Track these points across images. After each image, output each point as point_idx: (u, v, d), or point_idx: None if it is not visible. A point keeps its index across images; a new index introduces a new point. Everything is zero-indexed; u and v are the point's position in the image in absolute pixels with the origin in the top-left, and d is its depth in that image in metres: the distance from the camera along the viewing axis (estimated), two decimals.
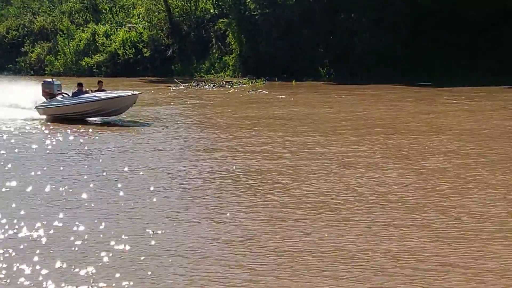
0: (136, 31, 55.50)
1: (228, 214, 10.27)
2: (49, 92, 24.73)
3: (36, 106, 25.13)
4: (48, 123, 23.68)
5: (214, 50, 49.81)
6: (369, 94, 30.72)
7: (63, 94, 24.61)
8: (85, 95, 23.45)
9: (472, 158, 14.00)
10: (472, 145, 15.64)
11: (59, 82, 25.56)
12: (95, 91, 23.74)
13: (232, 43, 47.00)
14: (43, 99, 24.89)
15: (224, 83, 40.44)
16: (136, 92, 23.43)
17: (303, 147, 16.14)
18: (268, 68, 42.11)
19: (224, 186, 12.32)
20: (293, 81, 39.98)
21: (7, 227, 9.87)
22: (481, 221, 9.55)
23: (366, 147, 15.75)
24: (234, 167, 13.86)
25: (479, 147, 15.30)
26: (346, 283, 7.44)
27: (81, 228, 9.77)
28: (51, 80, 26.09)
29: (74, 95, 23.92)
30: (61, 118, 23.76)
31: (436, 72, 36.64)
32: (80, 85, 24.29)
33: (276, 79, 40.93)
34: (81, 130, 21.16)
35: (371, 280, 7.47)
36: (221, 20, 48.98)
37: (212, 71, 48.49)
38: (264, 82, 39.96)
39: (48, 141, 18.93)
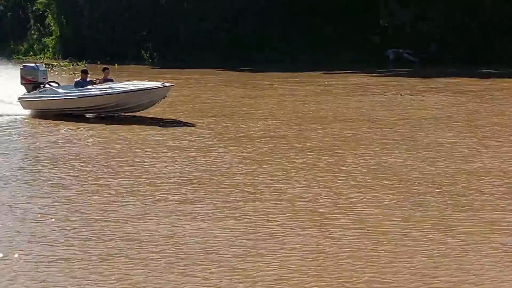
0: None
1: None
2: (33, 80, 19.99)
3: (20, 98, 20.13)
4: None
5: (32, 32, 48.51)
6: (195, 78, 31.42)
7: (51, 83, 20.36)
8: (97, 86, 19.07)
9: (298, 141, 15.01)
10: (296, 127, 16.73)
11: (44, 68, 21.29)
12: (101, 80, 19.51)
13: (52, 24, 46.02)
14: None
15: (44, 65, 39.37)
16: (168, 84, 18.94)
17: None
18: (90, 51, 41.72)
19: None
20: (116, 64, 39.84)
21: None
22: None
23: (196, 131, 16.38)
24: None
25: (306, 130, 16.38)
26: None
27: None
28: (34, 64, 21.37)
29: (78, 85, 19.42)
30: (54, 113, 19.29)
31: (257, 58, 38.34)
32: (84, 72, 20.06)
33: (98, 62, 40.64)
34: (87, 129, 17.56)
35: None
36: (40, 0, 47.74)
37: (31, 53, 47.21)
38: (85, 64, 39.44)
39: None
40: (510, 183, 10.95)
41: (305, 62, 36.31)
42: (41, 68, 20.61)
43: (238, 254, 7.76)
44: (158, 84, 18.75)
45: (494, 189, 10.53)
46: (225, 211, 9.50)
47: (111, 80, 19.52)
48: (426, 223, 8.80)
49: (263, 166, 12.27)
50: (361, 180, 11.13)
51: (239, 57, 38.35)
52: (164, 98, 18.70)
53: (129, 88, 18.60)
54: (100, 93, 18.62)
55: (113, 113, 18.85)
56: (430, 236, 8.33)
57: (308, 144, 14.48)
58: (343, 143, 14.62)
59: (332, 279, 7.02)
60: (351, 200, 10.01)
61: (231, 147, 14.30)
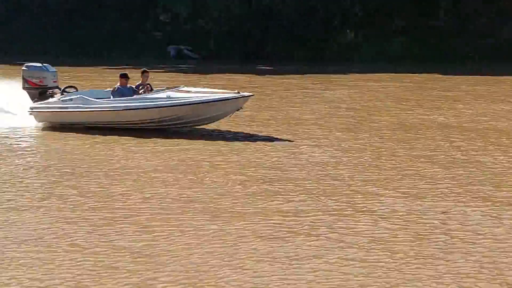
0: None
1: None
2: (40, 84, 16.75)
3: (32, 109, 16.80)
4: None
5: None
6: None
7: (68, 89, 17.21)
8: (146, 95, 16.24)
9: None
10: None
11: (54, 69, 17.39)
12: (145, 87, 16.53)
13: None
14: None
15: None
16: (247, 94, 16.34)
17: None
18: None
19: None
20: None
21: None
22: None
23: None
24: None
25: None
26: None
27: None
28: (41, 64, 17.29)
29: (118, 93, 16.37)
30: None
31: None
32: (124, 77, 16.70)
33: None
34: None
35: None
36: None
37: None
38: None
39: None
40: None
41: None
42: (50, 69, 17.19)
43: None
44: (232, 93, 16.09)
45: None
46: None
47: (148, 85, 16.66)
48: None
49: None
50: None
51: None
52: (239, 109, 16.27)
53: (201, 99, 15.92)
54: (160, 104, 15.86)
55: (167, 126, 16.28)
56: None
57: None
58: None
59: None
60: None
61: None
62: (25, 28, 39.54)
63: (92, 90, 18.01)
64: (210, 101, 15.84)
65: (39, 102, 16.72)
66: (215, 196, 11.23)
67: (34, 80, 16.70)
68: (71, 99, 16.45)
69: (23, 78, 16.87)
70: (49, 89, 16.91)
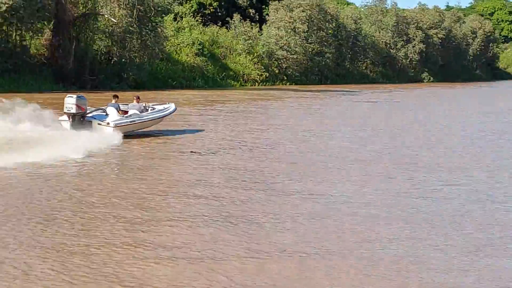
0: None
1: None
2: (83, 109, 22.13)
3: (115, 123, 22.23)
4: None
5: None
6: None
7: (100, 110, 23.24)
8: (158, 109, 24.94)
9: None
10: None
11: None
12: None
13: None
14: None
15: None
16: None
17: None
18: None
19: None
20: None
21: None
22: None
23: None
24: None
25: None
26: None
27: None
28: (81, 95, 22.90)
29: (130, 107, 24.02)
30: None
31: None
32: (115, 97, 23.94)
33: None
34: None
35: None
36: None
37: None
38: None
39: None
40: None
41: None
42: (83, 98, 22.24)
43: None
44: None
45: None
46: None
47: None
48: None
49: None
50: None
51: None
52: None
53: (169, 111, 25.26)
54: (165, 114, 24.81)
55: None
56: None
57: None
58: None
59: None
60: None
61: None
62: None
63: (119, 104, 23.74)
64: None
65: (116, 120, 22.39)
66: None
67: (83, 107, 21.99)
68: (130, 116, 23.20)
69: (77, 105, 21.66)
70: (86, 113, 22.32)
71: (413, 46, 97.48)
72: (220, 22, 75.36)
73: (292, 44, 75.22)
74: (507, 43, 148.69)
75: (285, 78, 74.93)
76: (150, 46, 51.59)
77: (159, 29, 53.30)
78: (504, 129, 31.56)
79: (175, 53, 61.39)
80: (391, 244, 11.00)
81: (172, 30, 62.61)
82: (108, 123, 22.09)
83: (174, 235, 11.04)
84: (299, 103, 45.80)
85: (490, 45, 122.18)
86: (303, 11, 78.59)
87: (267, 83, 70.43)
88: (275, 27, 76.11)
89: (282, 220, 12.36)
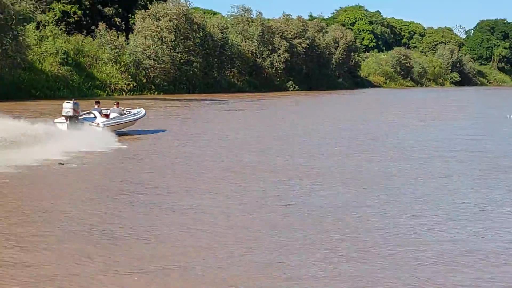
0: None
1: None
2: (78, 113, 26.97)
3: (104, 123, 27.41)
4: None
5: None
6: None
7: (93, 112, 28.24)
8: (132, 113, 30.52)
9: None
10: None
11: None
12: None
13: None
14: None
15: None
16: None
17: None
18: None
19: None
20: None
21: None
22: None
23: None
24: None
25: None
26: None
27: None
28: (76, 101, 27.21)
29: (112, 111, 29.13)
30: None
31: None
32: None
33: None
34: None
35: None
36: None
37: None
38: None
39: None
40: None
41: None
42: (77, 104, 26.83)
43: None
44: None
45: None
46: None
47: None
48: None
49: None
50: None
51: None
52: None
53: (141, 114, 31.14)
54: (138, 117, 30.49)
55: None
56: None
57: None
58: None
59: None
60: None
61: None
62: None
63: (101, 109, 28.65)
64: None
65: (104, 121, 27.46)
66: None
67: (78, 111, 26.59)
68: (114, 118, 28.34)
69: (73, 109, 26.08)
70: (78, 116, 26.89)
71: (278, 56, 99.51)
72: (85, 31, 74.12)
73: (160, 53, 75.09)
74: (368, 52, 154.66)
75: (153, 87, 74.66)
76: (11, 55, 50.06)
77: (21, 38, 51.84)
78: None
79: (38, 62, 59.82)
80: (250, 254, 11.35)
81: (34, 39, 61.00)
82: (98, 124, 27.20)
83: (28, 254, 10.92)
84: (167, 112, 45.81)
85: (352, 54, 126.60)
86: (170, 20, 78.63)
87: (135, 93, 69.94)
88: (142, 36, 75.70)
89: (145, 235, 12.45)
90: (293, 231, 12.92)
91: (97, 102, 29.34)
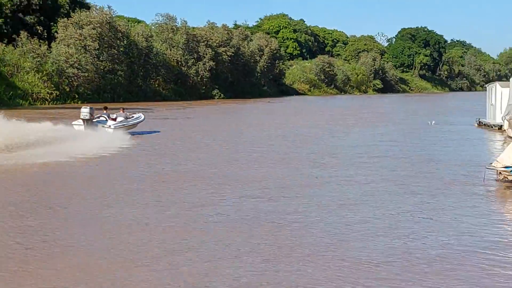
0: None
1: None
2: (94, 117, 32.80)
3: (114, 126, 32.76)
4: None
5: None
6: None
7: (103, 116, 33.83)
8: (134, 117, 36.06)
9: None
10: None
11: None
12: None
13: None
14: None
15: None
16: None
17: None
18: None
19: None
20: None
21: None
22: None
23: None
24: None
25: None
26: None
27: None
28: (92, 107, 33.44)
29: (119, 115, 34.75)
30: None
31: None
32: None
33: None
34: None
35: None
36: None
37: None
38: None
39: None
40: None
41: None
42: (92, 109, 32.96)
43: None
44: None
45: None
46: None
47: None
48: None
49: None
50: None
51: None
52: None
53: (141, 119, 36.67)
54: (139, 121, 35.93)
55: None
56: None
57: None
58: None
59: None
60: None
61: None
62: None
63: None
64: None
65: (114, 123, 33.04)
66: None
67: (93, 115, 32.27)
68: (121, 121, 33.83)
69: (90, 114, 31.88)
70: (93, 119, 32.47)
71: (204, 64, 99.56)
72: (6, 40, 72.55)
73: (83, 62, 74.20)
74: (292, 60, 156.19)
75: (77, 96, 73.67)
76: None
77: None
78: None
79: None
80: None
81: None
82: (109, 126, 32.56)
83: None
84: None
85: (277, 62, 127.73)
86: (93, 29, 77.83)
87: (58, 102, 68.86)
88: (64, 45, 74.67)
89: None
90: (212, 239, 12.95)
91: (105, 108, 35.37)
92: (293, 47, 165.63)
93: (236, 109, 73.42)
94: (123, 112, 35.44)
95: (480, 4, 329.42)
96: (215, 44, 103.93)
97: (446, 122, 50.56)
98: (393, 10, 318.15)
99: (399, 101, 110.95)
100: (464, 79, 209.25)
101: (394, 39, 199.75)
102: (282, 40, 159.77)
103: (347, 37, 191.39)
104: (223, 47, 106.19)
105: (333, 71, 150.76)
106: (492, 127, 42.80)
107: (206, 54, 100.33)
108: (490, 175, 20.23)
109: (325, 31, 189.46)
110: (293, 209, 16.04)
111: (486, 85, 52.28)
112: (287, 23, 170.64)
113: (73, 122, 32.04)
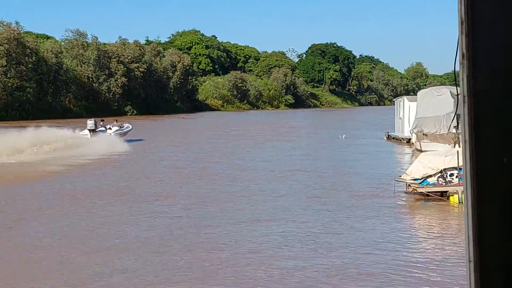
0: None
1: None
2: (97, 127, 41.37)
3: (114, 133, 42.00)
4: None
5: None
6: None
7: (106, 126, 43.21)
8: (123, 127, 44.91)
9: None
10: None
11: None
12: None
13: None
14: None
15: None
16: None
17: None
18: None
19: None
20: None
21: None
22: None
23: None
24: None
25: None
26: None
27: None
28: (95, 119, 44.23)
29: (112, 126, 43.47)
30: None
31: None
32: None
33: None
34: None
35: None
36: None
37: None
38: None
39: None
40: None
41: None
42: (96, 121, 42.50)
43: None
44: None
45: None
46: None
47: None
48: None
49: None
50: None
51: None
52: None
53: (129, 128, 45.76)
54: (128, 130, 44.60)
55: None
56: None
57: None
58: None
59: None
60: None
61: None
62: None
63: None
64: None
65: (113, 131, 42.00)
66: None
67: (97, 125, 41.15)
68: (117, 130, 42.44)
69: (94, 124, 40.77)
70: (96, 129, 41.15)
71: (116, 80, 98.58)
72: None
73: None
74: (205, 76, 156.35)
75: None
76: None
77: None
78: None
79: None
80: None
81: None
82: (110, 134, 41.06)
83: None
84: None
85: (189, 78, 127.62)
86: (0, 45, 75.91)
87: None
88: None
89: None
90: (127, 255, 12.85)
91: (102, 120, 44.87)
92: (205, 63, 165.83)
93: (149, 126, 72.92)
94: (117, 122, 45.49)
95: (386, 21, 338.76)
96: (127, 60, 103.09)
97: (357, 136, 51.62)
98: (303, 26, 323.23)
99: (310, 116, 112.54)
100: (373, 93, 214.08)
101: (304, 55, 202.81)
102: (194, 56, 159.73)
103: (259, 53, 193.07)
104: (135, 63, 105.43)
105: (245, 87, 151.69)
106: (400, 140, 43.96)
107: (118, 70, 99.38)
108: (400, 188, 20.77)
109: (237, 47, 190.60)
110: (208, 223, 16.06)
111: (395, 99, 53.65)
112: (199, 39, 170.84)
113: (81, 132, 40.19)
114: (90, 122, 40.82)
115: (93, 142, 37.80)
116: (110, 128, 42.49)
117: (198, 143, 44.75)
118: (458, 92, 1.51)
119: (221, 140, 47.66)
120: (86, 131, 40.27)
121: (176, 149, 39.81)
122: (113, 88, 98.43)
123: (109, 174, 26.90)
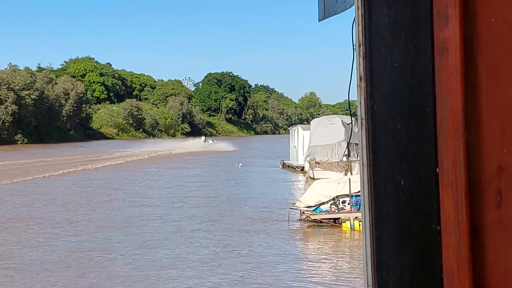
0: None
1: None
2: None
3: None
4: None
5: None
6: None
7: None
8: None
9: None
10: None
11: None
12: None
13: None
14: None
15: None
16: None
17: None
18: None
19: None
20: None
21: None
22: None
23: None
24: None
25: None
26: None
27: None
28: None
29: None
30: None
31: None
32: None
33: None
34: None
35: None
36: None
37: None
38: None
39: None
40: None
41: None
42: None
43: None
44: None
45: None
46: None
47: None
48: None
49: None
50: None
51: None
52: None
53: None
54: None
55: None
56: None
57: None
58: None
59: None
60: None
61: None
62: None
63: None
64: None
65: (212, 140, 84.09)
66: None
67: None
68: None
69: (205, 139, 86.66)
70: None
71: (6, 108, 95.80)
72: None
73: None
74: (100, 104, 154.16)
75: None
76: None
77: None
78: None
79: None
80: None
81: None
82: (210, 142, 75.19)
83: None
84: None
85: (83, 106, 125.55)
86: None
87: None
88: None
89: None
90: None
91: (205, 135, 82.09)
92: (100, 91, 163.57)
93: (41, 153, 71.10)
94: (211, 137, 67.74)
95: (280, 51, 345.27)
96: (17, 87, 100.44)
97: (253, 164, 52.00)
98: (200, 55, 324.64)
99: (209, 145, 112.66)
100: (268, 122, 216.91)
101: (201, 84, 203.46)
102: (88, 84, 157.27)
103: (155, 81, 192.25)
104: (27, 90, 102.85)
105: (141, 115, 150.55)
106: (295, 168, 44.57)
107: (8, 97, 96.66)
108: (294, 215, 21.00)
109: (132, 75, 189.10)
110: (99, 246, 15.76)
111: (289, 128, 54.46)
112: (93, 66, 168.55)
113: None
114: (203, 137, 68.38)
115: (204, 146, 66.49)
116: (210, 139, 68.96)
117: (97, 170, 43.90)
118: (351, 121, 1.50)
119: (122, 167, 46.98)
120: (203, 139, 69.06)
121: (77, 176, 38.90)
122: (3, 116, 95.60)
123: None
